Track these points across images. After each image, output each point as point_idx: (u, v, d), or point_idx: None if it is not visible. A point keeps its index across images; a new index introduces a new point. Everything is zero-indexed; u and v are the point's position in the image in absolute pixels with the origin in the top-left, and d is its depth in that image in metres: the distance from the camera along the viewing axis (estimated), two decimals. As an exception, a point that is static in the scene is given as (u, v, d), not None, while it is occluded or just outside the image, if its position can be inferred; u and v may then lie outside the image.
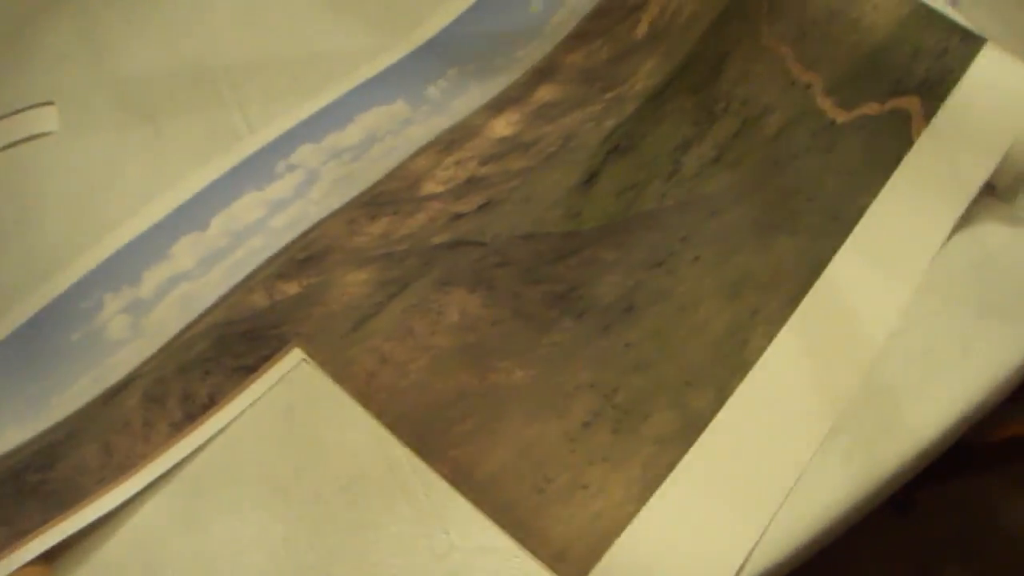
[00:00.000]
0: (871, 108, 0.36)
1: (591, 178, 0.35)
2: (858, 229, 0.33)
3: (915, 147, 0.34)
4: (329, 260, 0.33)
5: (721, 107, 0.37)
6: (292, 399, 0.31)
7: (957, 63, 0.35)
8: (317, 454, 0.30)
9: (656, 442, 0.28)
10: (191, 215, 0.34)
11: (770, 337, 0.30)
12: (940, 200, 0.33)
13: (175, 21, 0.41)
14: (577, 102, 0.38)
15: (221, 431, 0.31)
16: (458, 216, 0.34)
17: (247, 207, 0.35)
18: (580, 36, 0.40)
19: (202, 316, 0.33)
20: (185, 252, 0.34)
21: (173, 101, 0.38)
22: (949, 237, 0.32)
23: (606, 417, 0.29)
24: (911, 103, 0.35)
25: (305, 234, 0.34)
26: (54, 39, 0.41)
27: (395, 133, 0.36)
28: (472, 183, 0.35)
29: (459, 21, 0.40)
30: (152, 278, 0.34)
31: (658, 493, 0.27)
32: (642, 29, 0.40)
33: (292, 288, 0.33)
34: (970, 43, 0.35)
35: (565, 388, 0.30)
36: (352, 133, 0.36)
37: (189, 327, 0.33)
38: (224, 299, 0.33)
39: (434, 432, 0.29)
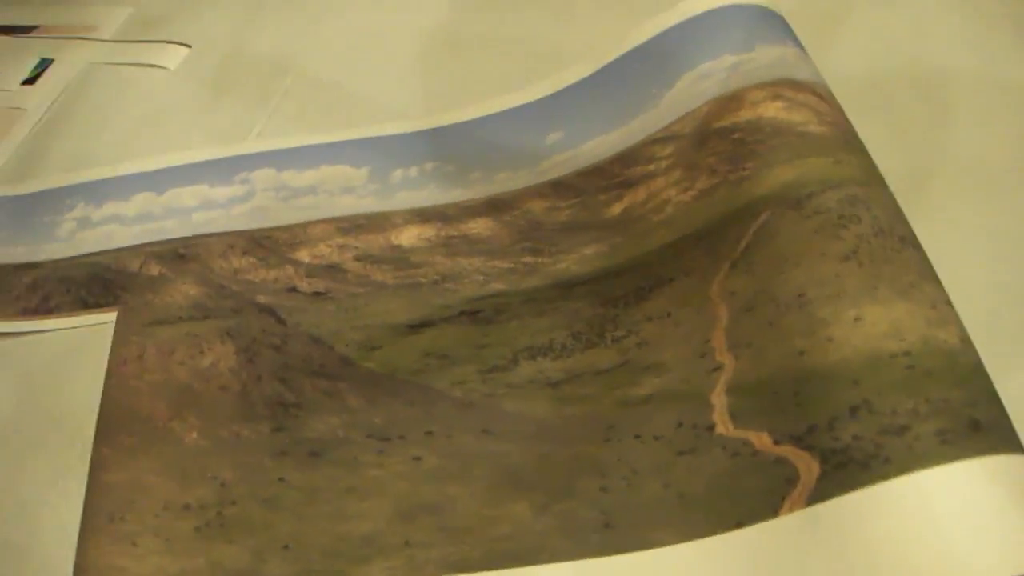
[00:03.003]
0: (759, 440, 0.28)
1: (420, 327, 0.34)
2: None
3: (777, 522, 0.25)
4: (189, 267, 0.37)
5: (613, 335, 0.33)
6: (79, 343, 0.36)
7: (920, 454, 0.23)
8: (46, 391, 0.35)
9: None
10: (159, 180, 0.41)
11: None
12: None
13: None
14: (495, 251, 0.36)
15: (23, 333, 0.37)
16: (292, 290, 0.36)
17: (193, 194, 0.40)
18: (559, 186, 0.37)
19: (104, 253, 0.39)
20: (137, 203, 0.40)
21: (240, 81, 0.44)
22: None
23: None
24: (807, 465, 0.27)
25: (197, 236, 0.38)
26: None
27: (332, 194, 0.38)
28: (330, 270, 0.36)
29: (479, 123, 0.39)
30: (109, 209, 0.41)
31: None
32: (616, 209, 0.36)
33: (154, 270, 0.38)
34: (955, 444, 0.23)
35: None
36: (307, 177, 0.39)
37: (92, 255, 0.39)
38: (122, 250, 0.39)
39: (116, 425, 0.32)
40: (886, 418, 0.24)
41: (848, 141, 0.31)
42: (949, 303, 0.26)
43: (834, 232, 0.28)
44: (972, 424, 0.23)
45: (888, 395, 0.24)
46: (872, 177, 0.30)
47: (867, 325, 0.26)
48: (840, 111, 0.33)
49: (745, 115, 0.33)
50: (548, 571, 0.26)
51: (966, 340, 0.25)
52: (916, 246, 0.28)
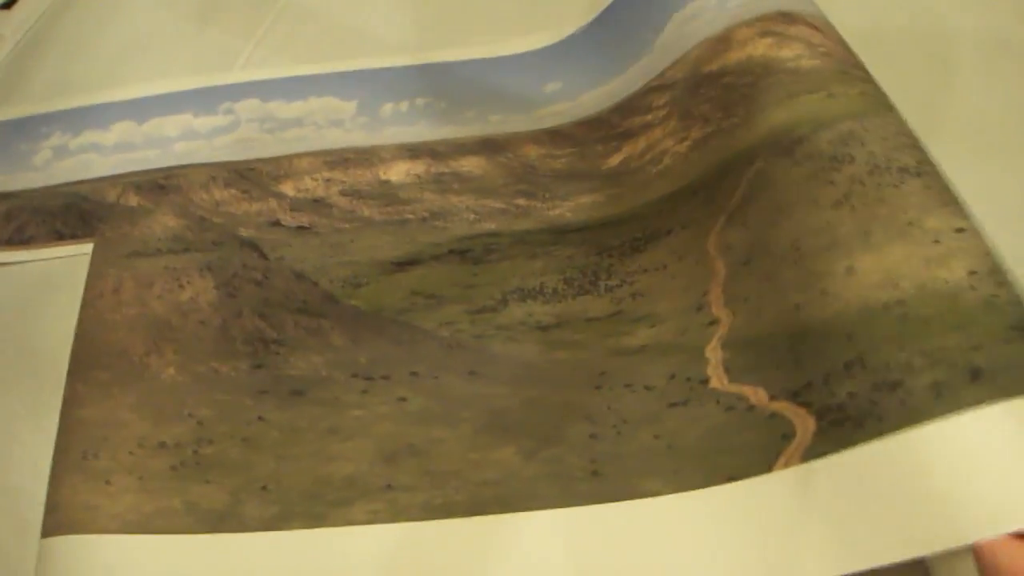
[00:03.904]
0: (755, 395, 0.27)
1: (407, 264, 0.33)
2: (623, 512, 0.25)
3: (772, 477, 0.24)
4: (169, 198, 0.36)
5: (606, 284, 0.32)
6: (54, 275, 0.35)
7: (912, 410, 0.22)
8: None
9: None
10: (141, 108, 0.39)
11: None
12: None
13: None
14: (487, 190, 0.35)
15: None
16: (275, 223, 0.34)
17: (175, 123, 0.38)
18: (556, 135, 0.36)
19: (81, 183, 0.38)
20: (117, 132, 0.39)
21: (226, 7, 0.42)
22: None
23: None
24: (803, 421, 0.26)
25: (178, 167, 0.37)
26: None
27: (319, 127, 0.37)
28: (316, 204, 0.35)
29: (476, 64, 0.38)
30: (87, 138, 0.39)
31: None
32: (614, 161, 0.35)
33: (133, 201, 0.36)
34: (950, 397, 0.22)
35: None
36: (295, 108, 0.38)
37: (67, 184, 0.38)
38: (100, 180, 0.38)
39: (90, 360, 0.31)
40: (880, 374, 0.23)
41: (844, 71, 0.30)
42: (961, 230, 0.25)
43: (826, 177, 0.27)
44: (972, 372, 0.22)
45: (881, 349, 0.23)
46: (871, 105, 0.29)
47: (860, 275, 0.25)
48: (838, 40, 0.31)
49: (734, 56, 0.32)
50: (535, 518, 0.26)
51: (978, 271, 0.24)
52: (921, 173, 0.27)
